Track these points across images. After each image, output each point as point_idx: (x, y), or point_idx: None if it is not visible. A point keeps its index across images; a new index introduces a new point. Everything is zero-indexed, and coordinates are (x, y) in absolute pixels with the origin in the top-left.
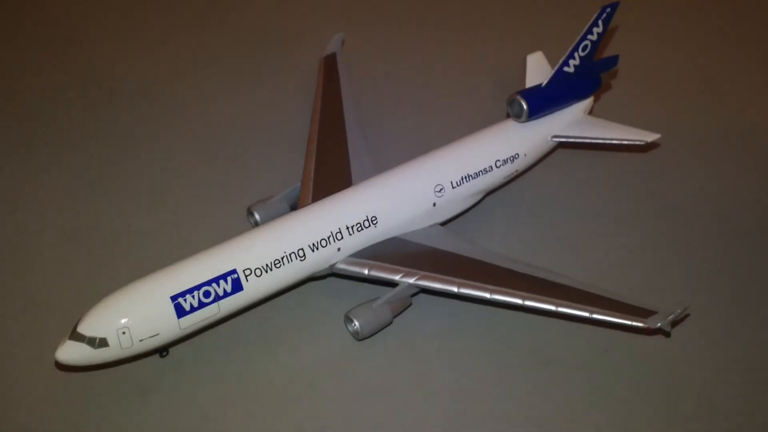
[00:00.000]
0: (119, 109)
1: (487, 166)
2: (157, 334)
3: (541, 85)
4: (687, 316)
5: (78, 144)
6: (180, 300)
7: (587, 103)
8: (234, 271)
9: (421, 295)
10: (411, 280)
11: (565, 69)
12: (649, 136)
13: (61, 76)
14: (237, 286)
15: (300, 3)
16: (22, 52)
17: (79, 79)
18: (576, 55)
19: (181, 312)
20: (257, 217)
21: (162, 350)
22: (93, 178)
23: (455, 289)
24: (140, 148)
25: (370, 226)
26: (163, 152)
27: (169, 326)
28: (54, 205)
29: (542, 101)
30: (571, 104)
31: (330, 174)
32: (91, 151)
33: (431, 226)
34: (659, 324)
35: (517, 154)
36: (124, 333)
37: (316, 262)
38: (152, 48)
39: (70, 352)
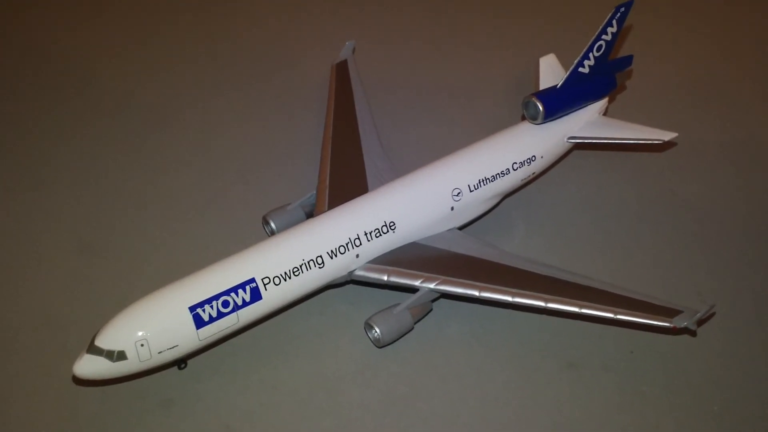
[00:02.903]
0: (133, 123)
1: (504, 168)
2: (176, 346)
3: (556, 86)
4: (713, 314)
5: (92, 157)
6: (198, 310)
7: (602, 103)
8: (252, 280)
9: (442, 300)
10: (431, 285)
11: (580, 70)
12: (666, 135)
13: (75, 95)
14: (256, 295)
15: (311, 11)
16: (38, 74)
17: (93, 97)
18: (591, 55)
19: (199, 323)
20: (273, 225)
21: (180, 362)
22: (108, 190)
23: (476, 293)
24: (154, 160)
25: (388, 231)
26: (177, 163)
27: (188, 337)
28: (69, 218)
29: (558, 102)
30: (587, 105)
31: (346, 180)
32: (106, 163)
33: (449, 230)
34: (685, 323)
35: (534, 156)
36: (142, 345)
37: (334, 269)
38: (164, 62)
39: (88, 366)
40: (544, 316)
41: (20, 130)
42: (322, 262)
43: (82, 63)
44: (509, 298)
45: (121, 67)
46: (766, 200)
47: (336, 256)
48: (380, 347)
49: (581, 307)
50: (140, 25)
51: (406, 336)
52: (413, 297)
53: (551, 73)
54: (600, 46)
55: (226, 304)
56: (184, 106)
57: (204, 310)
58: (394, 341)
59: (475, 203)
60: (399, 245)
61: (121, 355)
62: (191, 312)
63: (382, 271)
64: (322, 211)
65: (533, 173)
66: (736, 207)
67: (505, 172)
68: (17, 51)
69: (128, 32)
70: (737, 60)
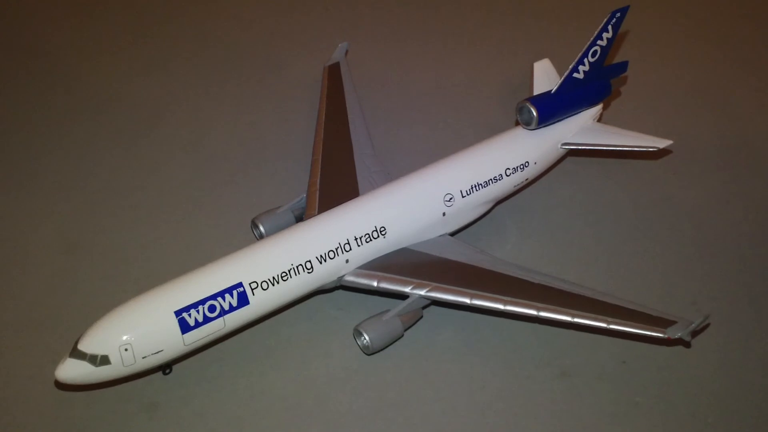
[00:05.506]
0: (122, 122)
1: (497, 174)
2: (161, 351)
3: (550, 91)
4: (708, 325)
5: (80, 155)
6: (184, 315)
7: (596, 109)
8: (240, 285)
9: (433, 307)
10: (422, 292)
11: (575, 75)
12: (661, 143)
13: (64, 93)
14: (243, 300)
15: (304, 13)
16: (26, 72)
17: (82, 96)
18: (585, 61)
19: (185, 327)
20: (262, 229)
21: (165, 367)
22: (96, 189)
23: (468, 301)
24: (142, 160)
25: (378, 236)
26: (165, 164)
27: (173, 342)
28: (55, 218)
29: (552, 108)
30: (581, 111)
31: (336, 184)
32: (94, 162)
33: (441, 236)
34: (679, 334)
35: (527, 162)
36: (126, 350)
37: (324, 274)
38: (154, 61)
39: (71, 370)
40: (535, 325)
41: (8, 128)
42: (311, 267)
43: (71, 61)
44: (501, 306)
45: (110, 65)
46: (762, 206)
47: (325, 261)
48: (369, 354)
49: (574, 316)
50: (130, 23)
51: (396, 343)
52: (403, 303)
53: (546, 78)
54: (595, 52)
55: (212, 308)
56: (174, 107)
57: (190, 315)
58: (384, 348)
59: (467, 209)
60: (389, 251)
61: (104, 360)
62: (177, 316)
63: (372, 277)
64: (312, 215)
65: (526, 179)
66: (732, 213)
67: (498, 177)
68: (5, 49)
69: (118, 31)
70: (733, 66)
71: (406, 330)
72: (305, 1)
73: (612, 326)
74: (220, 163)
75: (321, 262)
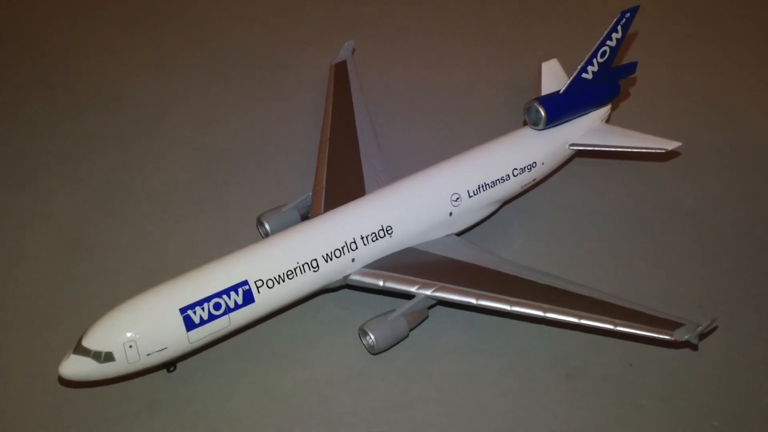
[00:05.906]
0: (124, 120)
1: (504, 174)
2: (166, 348)
3: (558, 92)
4: (715, 328)
5: (82, 154)
6: (189, 312)
7: (605, 110)
8: (245, 283)
9: (438, 307)
10: (428, 292)
11: (584, 75)
12: (670, 144)
13: (65, 91)
14: (248, 298)
15: (304, 13)
16: (28, 71)
17: (84, 94)
18: (594, 61)
19: (190, 325)
20: (267, 227)
21: (169, 365)
22: (98, 187)
23: (474, 301)
24: (146, 158)
25: (385, 236)
26: (169, 161)
27: (178, 340)
28: (58, 216)
29: (560, 108)
30: (589, 112)
31: (342, 183)
32: (96, 160)
33: (447, 236)
34: (687, 337)
35: (535, 163)
36: (130, 347)
37: (329, 272)
38: (157, 59)
39: (75, 366)
40: (542, 326)
41: (9, 126)
42: (317, 265)
43: (71, 61)
44: (507, 307)
45: (110, 65)
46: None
47: (331, 259)
48: (374, 354)
49: (580, 317)
50: (130, 23)
51: (401, 343)
52: (409, 303)
53: (554, 78)
54: (604, 52)
55: (217, 306)
56: (174, 106)
57: (195, 312)
58: (389, 348)
59: (474, 209)
60: (396, 250)
61: (108, 357)
62: (182, 314)
63: (378, 276)
64: (318, 214)
65: (534, 180)
66: (739, 216)
67: (505, 178)
68: (5, 49)
69: (118, 31)
70: (742, 67)
71: (411, 330)
72: (305, 1)
73: (619, 328)
74: (225, 162)
75: (327, 261)
